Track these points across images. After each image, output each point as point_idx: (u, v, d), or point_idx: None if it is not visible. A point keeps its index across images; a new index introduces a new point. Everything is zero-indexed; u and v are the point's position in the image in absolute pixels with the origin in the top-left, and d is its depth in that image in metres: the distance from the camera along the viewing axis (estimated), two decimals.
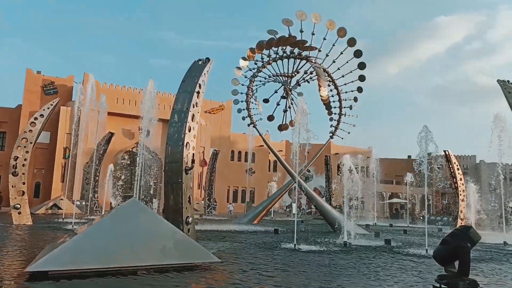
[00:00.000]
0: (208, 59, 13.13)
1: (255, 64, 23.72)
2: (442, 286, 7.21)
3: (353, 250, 13.48)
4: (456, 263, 7.37)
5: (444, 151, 33.48)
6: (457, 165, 34.02)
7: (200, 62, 13.15)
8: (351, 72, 24.54)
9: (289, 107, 25.54)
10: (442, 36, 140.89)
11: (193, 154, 12.22)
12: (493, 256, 13.73)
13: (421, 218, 42.64)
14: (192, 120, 12.40)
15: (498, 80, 14.45)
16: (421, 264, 10.83)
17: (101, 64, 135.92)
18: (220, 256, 10.20)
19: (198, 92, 12.58)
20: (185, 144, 11.88)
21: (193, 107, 12.37)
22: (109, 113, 40.75)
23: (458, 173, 33.52)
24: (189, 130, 12.12)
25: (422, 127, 13.82)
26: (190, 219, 11.88)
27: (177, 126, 12.07)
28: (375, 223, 34.12)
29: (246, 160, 49.70)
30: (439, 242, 7.78)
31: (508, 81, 14.47)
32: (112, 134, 30.20)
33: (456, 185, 33.17)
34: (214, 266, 8.91)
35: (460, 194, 32.65)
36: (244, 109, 24.77)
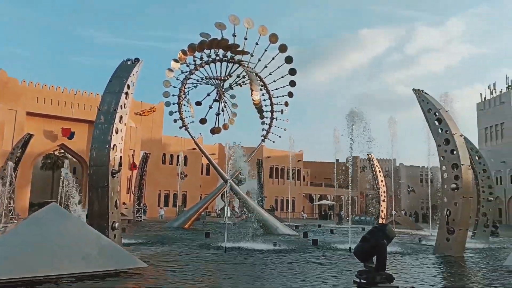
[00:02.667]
0: (137, 59, 12.78)
1: (187, 66, 23.48)
2: (362, 280, 7.68)
3: (282, 251, 13.83)
4: (375, 259, 7.89)
5: (368, 154, 35.56)
6: (379, 168, 36.31)
7: (129, 62, 12.76)
8: (282, 77, 25.24)
9: (222, 110, 25.61)
10: (365, 47, 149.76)
11: (121, 156, 11.81)
12: (408, 251, 14.83)
13: (347, 218, 44.67)
14: (120, 121, 11.99)
15: (413, 89, 15.66)
16: (344, 261, 11.41)
17: (16, 61, 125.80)
18: (148, 261, 9.96)
19: (126, 93, 12.19)
20: (112, 147, 11.44)
21: (121, 108, 11.96)
22: (29, 113, 37.94)
23: (380, 175, 35.81)
24: (117, 132, 11.70)
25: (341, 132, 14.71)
26: (116, 225, 11.45)
27: (103, 127, 11.58)
28: (304, 224, 35.24)
29: (178, 163, 48.81)
30: (359, 240, 8.28)
31: (422, 90, 15.72)
32: (31, 135, 28.13)
33: (377, 186, 35.38)
34: (141, 271, 8.68)
35: (381, 195, 34.88)
36: (176, 112, 24.38)
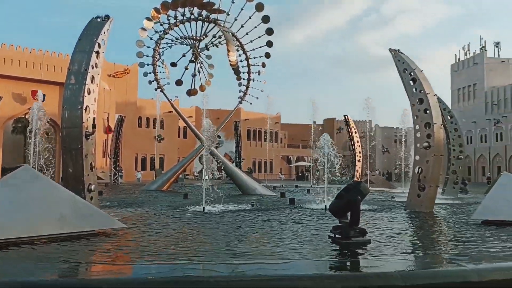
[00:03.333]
0: (107, 17, 12.23)
1: (161, 25, 22.67)
2: (336, 235, 7.93)
3: (260, 210, 14.10)
4: (349, 215, 8.13)
5: (344, 116, 35.97)
6: (355, 129, 36.89)
7: (98, 20, 12.21)
8: (259, 37, 24.72)
9: (198, 72, 25.11)
10: (343, 7, 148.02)
11: (94, 118, 11.54)
12: (381, 208, 15.36)
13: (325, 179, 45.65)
14: (92, 82, 11.63)
15: (390, 49, 15.68)
16: (319, 219, 11.74)
17: None
18: (127, 222, 9.99)
19: (97, 52, 11.76)
20: (84, 108, 11.14)
21: (92, 68, 11.56)
22: None
23: (356, 136, 36.45)
24: (89, 93, 11.37)
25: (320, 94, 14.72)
26: (92, 187, 11.35)
27: (74, 88, 11.22)
28: (282, 185, 35.88)
29: (154, 127, 48.22)
30: (335, 197, 8.49)
31: (398, 50, 15.76)
32: None
33: (353, 147, 36.05)
34: (119, 232, 8.71)
35: (357, 155, 35.63)
36: (150, 73, 23.75)
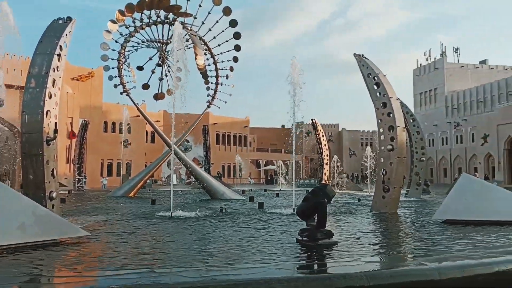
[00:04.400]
0: (69, 18, 11.90)
1: (127, 28, 22.25)
2: (304, 238, 8.02)
3: (229, 214, 14.05)
4: (316, 217, 8.24)
5: (311, 119, 36.47)
6: (322, 133, 37.45)
7: (60, 22, 11.86)
8: (227, 41, 24.72)
9: (166, 75, 24.80)
10: (311, 12, 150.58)
11: (56, 123, 11.17)
12: (348, 210, 15.65)
13: (292, 182, 46.13)
14: (53, 85, 11.26)
15: (354, 54, 16.07)
16: (287, 222, 11.82)
17: None
18: (91, 229, 9.71)
19: (59, 55, 11.40)
20: (45, 112, 10.76)
21: (54, 71, 11.20)
22: None
23: (323, 140, 37.01)
24: (50, 97, 11.00)
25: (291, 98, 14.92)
26: (54, 194, 10.97)
27: (34, 92, 10.83)
28: (251, 189, 35.91)
29: (121, 131, 47.18)
30: (302, 200, 8.58)
31: (362, 55, 16.17)
32: None
33: (321, 150, 36.58)
34: (83, 240, 8.45)
35: (325, 158, 36.17)
36: (116, 76, 23.24)
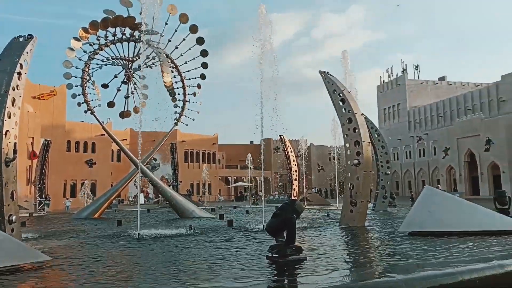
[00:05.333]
0: (30, 36, 11.59)
1: (91, 45, 21.89)
2: (274, 255, 7.99)
3: (197, 233, 13.82)
4: (285, 233, 8.24)
5: (280, 136, 36.78)
6: (290, 148, 37.79)
7: (21, 39, 11.53)
8: (194, 59, 24.71)
9: (132, 93, 24.43)
10: (276, 31, 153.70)
11: (15, 143, 10.74)
12: (317, 225, 15.75)
13: (262, 199, 46.12)
14: (13, 105, 10.87)
15: (319, 71, 16.44)
16: (257, 238, 11.76)
17: None
18: (53, 254, 9.30)
19: (19, 73, 11.05)
20: (4, 133, 10.35)
21: (14, 90, 10.83)
22: None
23: (292, 155, 37.32)
24: (9, 117, 10.60)
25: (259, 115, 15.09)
26: (13, 217, 10.47)
27: None
28: (221, 207, 35.59)
29: (85, 151, 45.91)
30: (271, 216, 8.57)
31: (328, 72, 16.57)
32: None
33: (289, 166, 36.85)
34: (45, 265, 8.07)
35: (293, 174, 36.43)
36: (79, 94, 22.68)
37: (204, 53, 24.37)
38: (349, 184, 14.90)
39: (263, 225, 14.41)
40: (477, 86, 69.32)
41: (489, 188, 48.42)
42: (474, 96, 61.62)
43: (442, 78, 76.19)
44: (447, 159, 56.79)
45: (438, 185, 49.48)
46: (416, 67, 75.12)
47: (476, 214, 11.70)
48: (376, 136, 24.86)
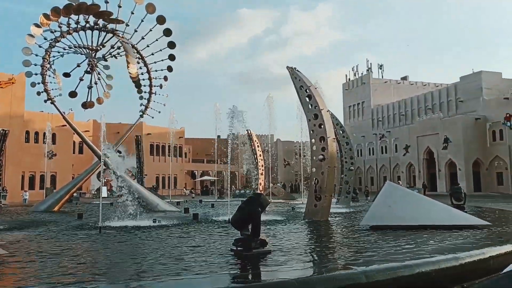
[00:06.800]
0: None
1: (52, 33, 20.97)
2: (238, 248, 8.01)
3: (161, 227, 13.67)
4: (250, 227, 8.27)
5: (247, 130, 36.84)
6: (257, 143, 37.93)
7: None
8: (161, 50, 24.18)
9: (95, 83, 23.64)
10: (245, 27, 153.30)
11: None
12: (282, 219, 15.93)
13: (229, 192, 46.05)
14: None
15: (287, 67, 16.53)
16: (222, 232, 11.76)
17: None
18: (8, 248, 8.93)
19: None
20: None
21: None
22: None
23: (258, 150, 37.47)
24: None
25: (229, 108, 15.06)
26: None
27: None
28: (186, 200, 35.29)
29: (45, 142, 44.16)
30: (236, 210, 8.58)
31: (295, 68, 16.69)
32: None
33: (256, 160, 37.01)
34: (0, 258, 7.73)
35: (260, 169, 36.62)
36: (39, 83, 21.74)
37: (171, 45, 23.92)
38: (314, 179, 15.14)
39: (228, 219, 14.43)
40: (437, 86, 72.01)
41: (446, 185, 50.56)
42: (434, 96, 64.02)
43: (404, 78, 78.59)
44: (407, 156, 58.79)
45: (399, 181, 51.17)
46: (380, 66, 77.09)
47: (434, 209, 12.19)
48: (341, 132, 25.33)
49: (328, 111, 16.13)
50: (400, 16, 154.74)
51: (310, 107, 15.62)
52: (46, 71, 21.50)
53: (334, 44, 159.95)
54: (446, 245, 8.69)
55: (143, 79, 24.77)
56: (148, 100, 25.11)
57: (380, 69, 76.88)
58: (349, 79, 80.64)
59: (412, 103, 67.21)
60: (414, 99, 67.20)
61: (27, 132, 47.16)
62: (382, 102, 73.01)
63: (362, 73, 77.86)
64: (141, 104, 25.34)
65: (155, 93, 25.23)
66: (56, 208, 23.43)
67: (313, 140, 15.44)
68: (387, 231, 10.91)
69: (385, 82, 76.01)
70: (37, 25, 19.81)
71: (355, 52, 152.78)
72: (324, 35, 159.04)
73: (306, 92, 15.72)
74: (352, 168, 25.37)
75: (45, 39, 21.18)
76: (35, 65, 21.74)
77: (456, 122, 51.80)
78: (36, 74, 21.89)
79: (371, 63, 78.31)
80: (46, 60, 21.25)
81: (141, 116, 25.52)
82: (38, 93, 22.12)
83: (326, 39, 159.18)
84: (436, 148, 53.43)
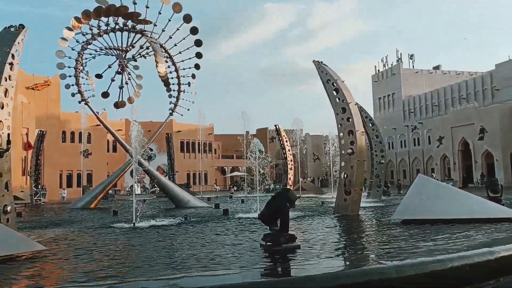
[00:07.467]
0: (22, 26, 11.50)
1: (84, 35, 21.69)
2: (267, 243, 8.08)
3: (193, 222, 13.94)
4: (279, 222, 8.32)
5: (275, 125, 36.84)
6: (286, 138, 37.86)
7: (12, 29, 11.44)
8: (188, 49, 24.58)
9: (126, 83, 24.31)
10: (270, 22, 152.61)
11: (9, 134, 10.72)
12: (311, 214, 15.90)
13: (260, 188, 46.21)
14: (6, 95, 10.83)
15: (313, 61, 16.42)
16: (251, 227, 11.87)
17: None
18: (49, 243, 9.37)
19: (11, 64, 10.98)
20: None
21: (6, 80, 10.77)
22: None
23: (287, 145, 37.40)
24: (2, 107, 10.57)
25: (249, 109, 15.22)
26: (8, 208, 10.50)
27: None
28: (217, 196, 35.73)
29: (80, 141, 45.71)
30: (264, 205, 8.65)
31: (321, 61, 16.55)
32: None
33: (285, 156, 36.97)
34: (40, 254, 8.12)
35: (289, 164, 36.57)
36: (73, 85, 22.58)
37: (198, 43, 24.23)
38: (343, 173, 15.01)
39: (258, 214, 14.53)
40: (471, 75, 69.43)
41: (483, 176, 48.80)
42: (469, 85, 61.79)
43: (437, 67, 76.22)
44: (441, 148, 57.09)
45: (433, 173, 49.85)
46: (411, 56, 75.03)
47: (468, 202, 11.85)
48: (371, 125, 24.94)
49: (356, 104, 15.92)
50: (430, 3, 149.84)
51: (337, 100, 15.46)
52: (79, 73, 22.26)
53: (361, 35, 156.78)
54: (480, 239, 8.46)
55: (172, 78, 25.26)
56: (177, 98, 25.56)
57: (411, 59, 74.83)
58: (378, 70, 78.94)
59: (445, 93, 65.14)
60: (447, 88, 65.10)
61: (64, 132, 48.89)
62: (413, 93, 71.14)
63: (392, 64, 76.04)
64: (170, 102, 25.83)
65: (184, 91, 25.65)
66: (92, 205, 24.28)
67: (341, 134, 15.30)
68: (418, 225, 10.71)
69: (416, 72, 73.96)
70: (69, 29, 20.51)
71: (383, 43, 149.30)
72: (350, 26, 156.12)
73: (333, 85, 15.57)
74: (383, 161, 24.94)
75: (77, 41, 21.93)
76: (69, 67, 22.57)
77: (492, 112, 49.81)
78: (70, 76, 22.70)
79: (401, 53, 76.34)
80: (79, 62, 21.99)
81: (171, 114, 26.00)
82: (73, 95, 22.94)
83: (353, 30, 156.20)
84: (472, 138, 51.60)
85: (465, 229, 9.77)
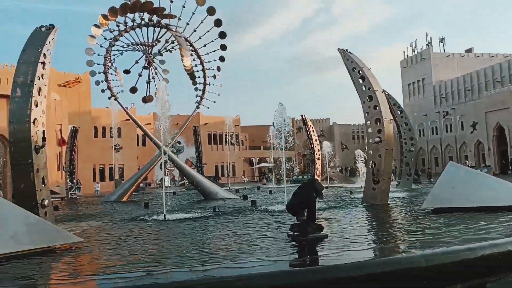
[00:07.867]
0: (52, 26, 11.88)
1: (111, 32, 22.20)
2: (295, 233, 8.14)
3: (222, 214, 14.14)
4: (306, 212, 8.36)
5: (301, 115, 36.65)
6: (312, 128, 37.58)
7: (43, 29, 11.84)
8: (212, 41, 24.73)
9: (153, 78, 24.76)
10: (295, 9, 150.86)
11: (44, 131, 11.17)
12: (339, 204, 15.82)
13: (287, 179, 46.24)
14: (39, 94, 11.26)
15: (338, 49, 16.19)
16: (279, 218, 11.95)
17: None
18: (86, 235, 9.76)
19: (43, 63, 11.39)
20: (32, 121, 10.76)
21: (39, 79, 11.19)
22: None
23: (314, 135, 37.13)
24: (36, 105, 11.00)
25: (278, 103, 15.30)
26: (46, 202, 10.98)
27: (20, 101, 10.82)
28: (245, 187, 36.01)
29: (111, 136, 46.97)
30: (291, 195, 8.70)
31: (347, 49, 16.30)
32: None
33: (312, 146, 36.75)
34: (77, 246, 8.49)
35: (316, 154, 36.34)
36: (102, 81, 23.18)
37: (222, 35, 24.32)
38: (371, 162, 14.83)
39: (285, 205, 14.58)
40: (506, 57, 66.64)
41: None
42: (503, 67, 59.37)
43: (469, 50, 73.55)
44: (475, 134, 55.28)
45: (466, 160, 48.43)
46: (442, 39, 72.74)
47: (501, 189, 11.49)
48: (399, 113, 24.44)
49: (383, 91, 15.64)
50: None
51: (364, 88, 15.24)
52: (108, 69, 22.82)
53: (388, 20, 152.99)
54: None
55: (197, 71, 25.51)
56: (203, 91, 25.83)
57: (441, 42, 72.57)
58: (407, 55, 76.91)
59: (478, 76, 62.87)
60: (480, 72, 62.79)
61: (95, 128, 50.32)
62: (444, 78, 68.99)
63: (421, 48, 73.89)
64: (197, 95, 26.12)
65: (209, 84, 25.88)
66: (125, 198, 24.99)
67: (368, 123, 15.09)
68: (449, 214, 10.49)
69: (447, 56, 71.63)
70: (97, 26, 21.01)
71: (412, 27, 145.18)
72: (377, 11, 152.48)
73: (359, 73, 15.33)
74: (413, 149, 24.43)
75: (105, 38, 22.46)
76: (98, 64, 23.16)
77: None
78: (99, 73, 23.31)
79: (431, 37, 74.15)
80: (107, 59, 22.53)
81: (197, 107, 26.31)
82: (102, 91, 23.57)
83: (379, 15, 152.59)
84: (507, 123, 49.70)
85: (498, 217, 9.51)
